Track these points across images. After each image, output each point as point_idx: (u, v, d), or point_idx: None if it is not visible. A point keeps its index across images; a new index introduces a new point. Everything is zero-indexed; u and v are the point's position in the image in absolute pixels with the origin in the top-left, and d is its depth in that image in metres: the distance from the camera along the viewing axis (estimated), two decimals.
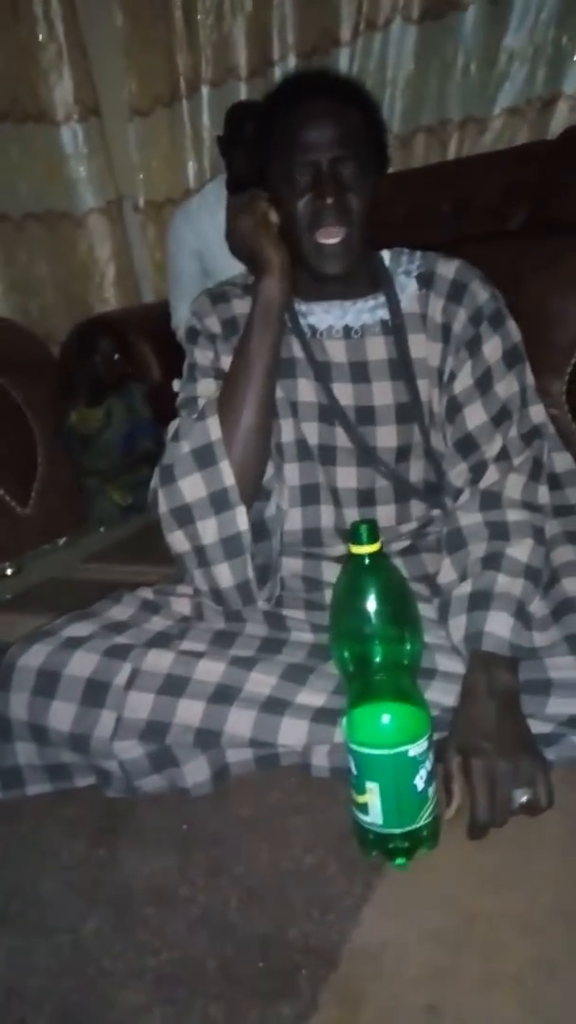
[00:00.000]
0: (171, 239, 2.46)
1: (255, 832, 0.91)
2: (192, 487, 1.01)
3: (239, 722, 0.94)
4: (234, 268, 1.12)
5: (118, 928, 0.80)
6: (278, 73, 3.04)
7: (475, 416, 1.06)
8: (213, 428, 1.01)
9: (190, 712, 0.94)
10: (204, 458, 1.01)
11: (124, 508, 2.33)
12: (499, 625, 0.92)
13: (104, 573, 1.91)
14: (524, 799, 0.83)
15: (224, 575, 1.02)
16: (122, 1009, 0.71)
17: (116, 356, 2.47)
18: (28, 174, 3.36)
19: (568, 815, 0.87)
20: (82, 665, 0.96)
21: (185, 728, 0.94)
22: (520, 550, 0.97)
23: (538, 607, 0.98)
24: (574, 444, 1.88)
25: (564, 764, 0.93)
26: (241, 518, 1.00)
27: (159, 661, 0.97)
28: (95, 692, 0.95)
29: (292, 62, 3.05)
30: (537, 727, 0.91)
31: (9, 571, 1.99)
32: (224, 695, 0.95)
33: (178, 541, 1.03)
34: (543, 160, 2.48)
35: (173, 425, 1.06)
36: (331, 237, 0.99)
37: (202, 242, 2.31)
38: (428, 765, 0.81)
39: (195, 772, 0.96)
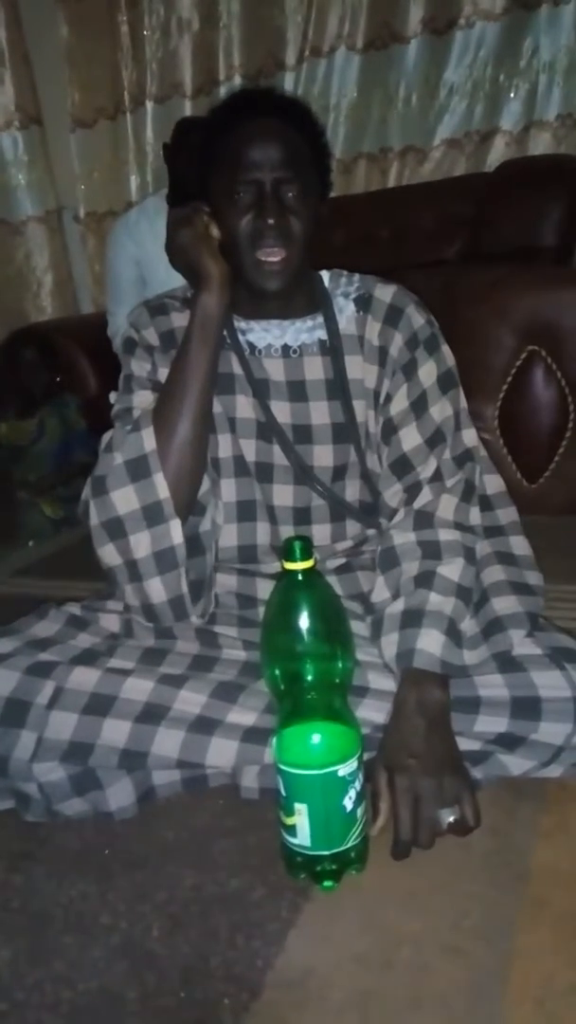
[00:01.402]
0: (110, 246, 2.44)
1: (180, 856, 0.89)
2: (125, 499, 0.99)
3: (166, 742, 0.91)
4: (172, 279, 1.10)
5: (33, 958, 0.77)
6: (223, 93, 3.06)
7: (410, 438, 1.07)
8: (148, 440, 0.99)
9: (116, 732, 0.91)
10: (138, 470, 0.99)
11: (55, 522, 2.28)
12: (430, 642, 0.92)
13: (32, 588, 1.86)
14: (452, 819, 0.83)
15: (156, 590, 1.00)
16: None
17: (39, 366, 2.41)
18: None
19: (495, 835, 0.87)
20: (2, 683, 0.93)
21: (110, 749, 0.91)
22: (451, 569, 0.98)
23: (468, 626, 0.99)
24: (505, 468, 1.94)
25: (491, 783, 0.94)
26: (175, 531, 0.98)
27: (84, 679, 0.94)
28: (15, 711, 0.92)
29: (237, 82, 3.08)
30: (465, 745, 0.91)
31: None
32: (152, 714, 0.92)
33: (109, 555, 1.00)
34: (480, 192, 2.56)
35: (107, 436, 1.04)
36: (271, 256, 0.99)
37: (141, 252, 2.30)
38: (357, 785, 0.80)
39: (119, 795, 0.93)
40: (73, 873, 0.88)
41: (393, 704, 0.92)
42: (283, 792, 0.81)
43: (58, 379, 2.47)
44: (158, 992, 0.72)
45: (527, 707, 0.92)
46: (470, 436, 1.11)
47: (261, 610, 1.08)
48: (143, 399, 1.05)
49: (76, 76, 3.35)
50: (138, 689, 0.94)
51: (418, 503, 1.04)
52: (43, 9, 3.31)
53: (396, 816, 0.84)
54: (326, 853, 0.80)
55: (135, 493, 0.98)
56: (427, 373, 1.08)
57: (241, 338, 1.09)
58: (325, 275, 1.14)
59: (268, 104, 1.04)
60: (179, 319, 1.09)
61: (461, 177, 2.78)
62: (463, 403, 1.12)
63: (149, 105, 3.27)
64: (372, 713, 0.93)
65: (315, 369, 1.09)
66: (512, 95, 2.71)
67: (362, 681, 0.97)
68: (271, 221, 0.97)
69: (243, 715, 0.93)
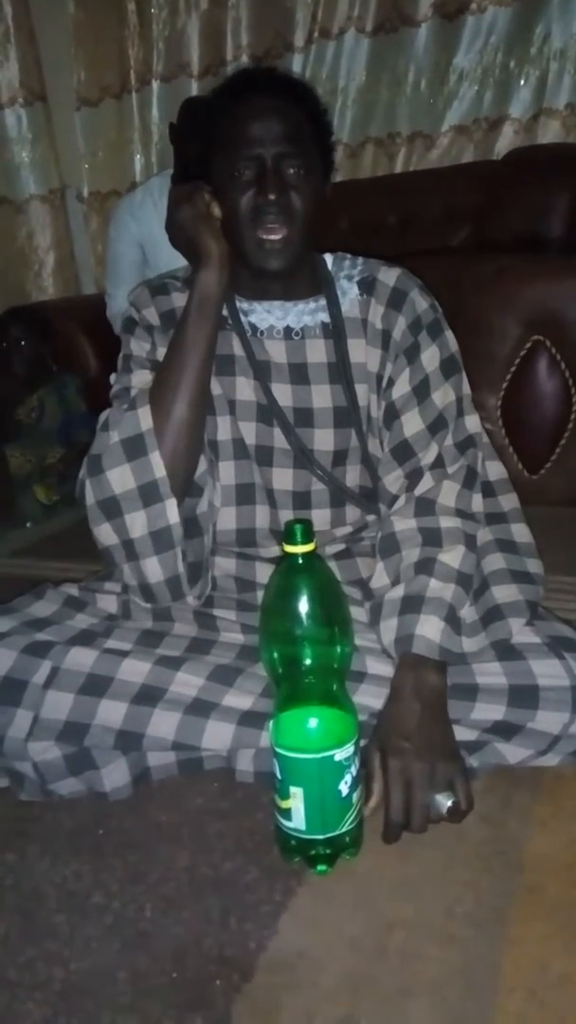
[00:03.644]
0: (113, 226, 2.43)
1: (174, 838, 0.89)
2: (121, 478, 0.98)
3: (162, 724, 0.91)
4: (176, 260, 1.09)
5: (25, 936, 0.77)
6: (230, 73, 3.02)
7: (412, 423, 1.06)
8: (144, 418, 0.98)
9: (111, 713, 0.91)
10: (134, 449, 0.98)
11: (48, 507, 2.27)
12: (429, 629, 0.92)
13: (30, 568, 1.85)
14: (450, 803, 0.83)
15: (153, 569, 0.99)
16: (25, 1023, 0.68)
17: (23, 344, 2.37)
18: None
19: (489, 823, 0.87)
20: None
21: (106, 730, 0.91)
22: (452, 556, 0.98)
23: (468, 613, 0.99)
24: (506, 458, 1.93)
25: (487, 771, 0.94)
26: (171, 511, 0.98)
27: (81, 659, 0.94)
28: (11, 690, 0.91)
29: (244, 63, 3.04)
30: (462, 733, 0.91)
31: None
32: (148, 696, 0.92)
33: (105, 534, 1.00)
34: (487, 180, 2.54)
35: (104, 415, 1.03)
36: (272, 234, 0.97)
37: (144, 232, 2.28)
38: (353, 770, 0.80)
39: (114, 776, 0.93)
40: (66, 852, 0.87)
41: (390, 688, 0.91)
42: (279, 775, 0.80)
43: (48, 359, 2.43)
44: (150, 972, 0.72)
45: (525, 695, 0.91)
46: (473, 422, 1.10)
47: (260, 594, 1.07)
48: (141, 379, 1.04)
49: (82, 54, 3.31)
50: (135, 670, 0.94)
51: (419, 490, 1.03)
52: None
53: (387, 798, 0.84)
54: (320, 837, 0.80)
55: (131, 472, 0.97)
56: (430, 358, 1.07)
57: (243, 319, 1.08)
58: (328, 258, 1.13)
59: (269, 81, 1.03)
60: (180, 299, 1.08)
61: (469, 164, 2.75)
62: (466, 389, 1.11)
63: (155, 84, 3.23)
64: (369, 699, 0.93)
65: (317, 352, 1.08)
66: (522, 82, 2.67)
67: (360, 667, 0.97)
68: (272, 197, 0.95)
69: (240, 698, 0.93)
